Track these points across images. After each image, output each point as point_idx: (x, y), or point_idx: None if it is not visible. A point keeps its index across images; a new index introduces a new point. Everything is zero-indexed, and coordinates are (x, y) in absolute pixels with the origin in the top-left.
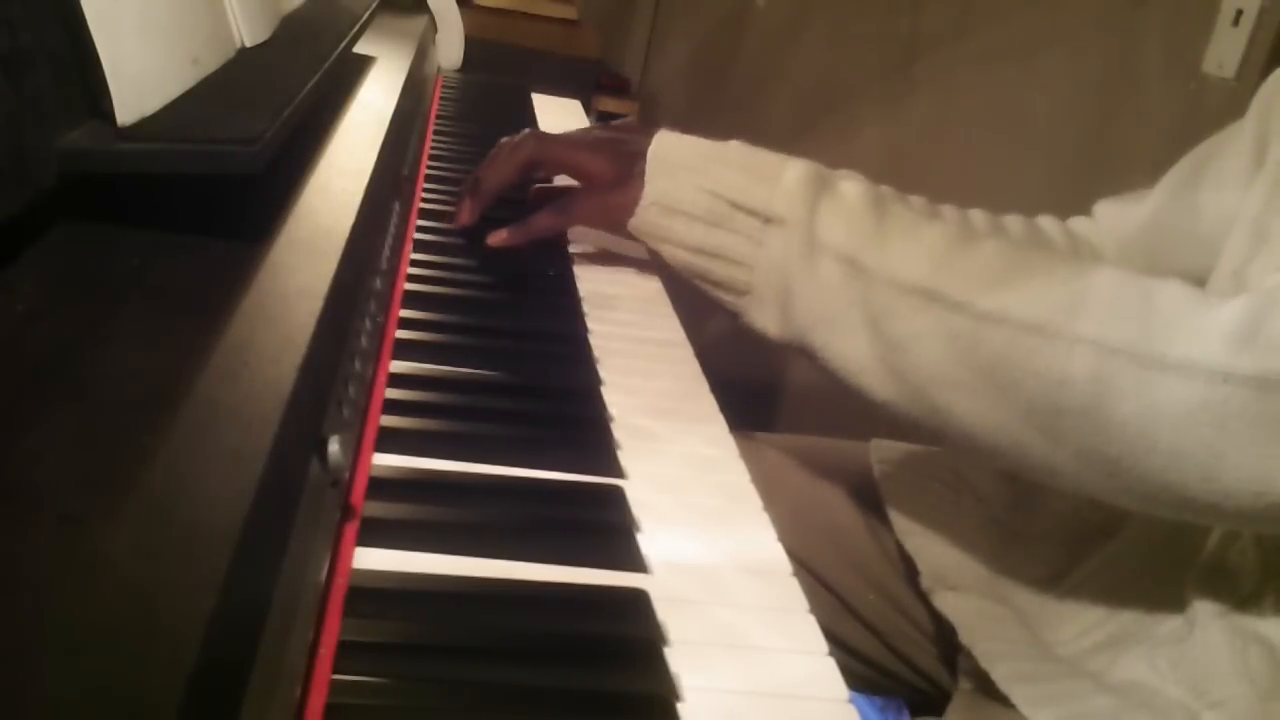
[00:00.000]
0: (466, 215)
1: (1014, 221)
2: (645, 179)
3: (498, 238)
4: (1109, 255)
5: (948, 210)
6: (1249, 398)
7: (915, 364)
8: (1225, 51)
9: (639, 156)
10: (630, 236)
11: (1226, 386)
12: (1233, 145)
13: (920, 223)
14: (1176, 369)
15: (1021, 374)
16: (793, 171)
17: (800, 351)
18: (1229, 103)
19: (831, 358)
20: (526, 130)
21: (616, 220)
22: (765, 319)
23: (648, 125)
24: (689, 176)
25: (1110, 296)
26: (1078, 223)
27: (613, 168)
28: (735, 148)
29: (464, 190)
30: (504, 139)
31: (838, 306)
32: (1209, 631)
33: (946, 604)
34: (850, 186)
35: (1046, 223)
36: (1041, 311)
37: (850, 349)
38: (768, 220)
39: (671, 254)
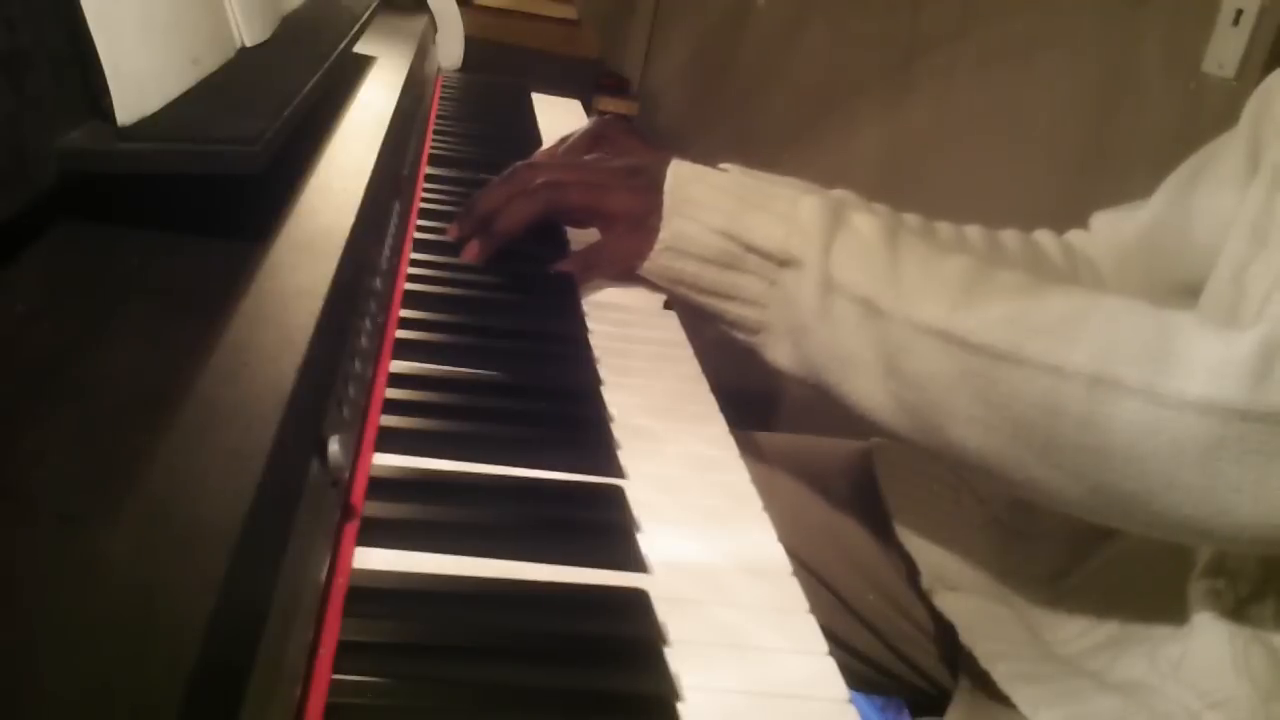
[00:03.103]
0: (475, 257)
1: (1011, 237)
2: (663, 220)
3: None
4: (1106, 268)
5: (942, 227)
6: (1266, 433)
7: (931, 402)
8: (1225, 51)
9: (656, 190)
10: (640, 280)
11: (1244, 424)
12: (1227, 151)
13: (934, 260)
14: (1194, 407)
15: (1039, 412)
16: (807, 209)
17: (814, 387)
18: (1229, 103)
19: (846, 395)
20: (537, 163)
21: (631, 266)
22: (779, 355)
23: (653, 148)
24: (703, 216)
25: (1128, 335)
26: (1075, 236)
27: (634, 206)
28: (749, 183)
29: (468, 220)
30: (517, 166)
31: (853, 346)
32: (1210, 631)
33: (947, 604)
34: (864, 222)
35: (1043, 238)
36: (1060, 351)
37: (865, 387)
38: (782, 262)
39: (684, 295)
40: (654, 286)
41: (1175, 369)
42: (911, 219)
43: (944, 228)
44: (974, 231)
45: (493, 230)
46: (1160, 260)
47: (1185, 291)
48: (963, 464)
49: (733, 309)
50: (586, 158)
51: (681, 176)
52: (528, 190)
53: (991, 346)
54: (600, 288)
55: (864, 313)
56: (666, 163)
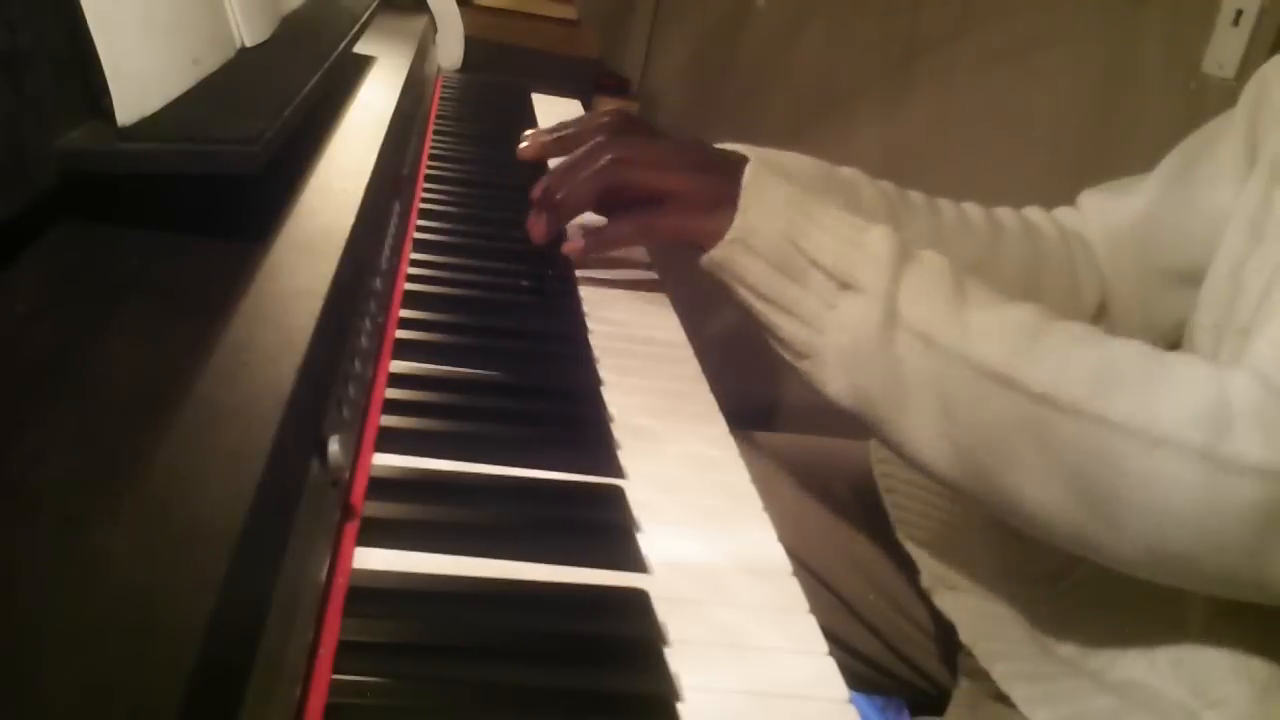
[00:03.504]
0: (542, 233)
1: (1007, 214)
2: (738, 211)
3: (572, 247)
4: (1099, 249)
5: (944, 205)
6: None
7: (987, 446)
8: (1225, 51)
9: (732, 182)
10: (703, 267)
11: None
12: (1224, 141)
13: (1001, 303)
14: (1255, 472)
15: (1097, 467)
16: (877, 238)
17: (861, 418)
18: (1229, 103)
19: (898, 430)
20: (599, 137)
21: (696, 246)
22: (829, 382)
23: (732, 148)
24: (776, 219)
25: (1191, 396)
26: (1065, 215)
27: (705, 191)
28: (824, 205)
29: (538, 202)
30: (578, 139)
31: (910, 382)
32: (1208, 631)
33: (946, 603)
34: (931, 260)
35: (1036, 215)
36: (1123, 409)
37: (917, 425)
38: (845, 285)
39: (743, 296)
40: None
41: (1236, 433)
42: (916, 196)
43: (946, 205)
44: (973, 210)
45: (560, 208)
46: (1156, 246)
47: (1179, 278)
48: (1012, 513)
49: (787, 325)
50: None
51: (761, 175)
52: (596, 168)
53: (1055, 397)
54: (600, 288)
55: (926, 349)
56: (741, 156)
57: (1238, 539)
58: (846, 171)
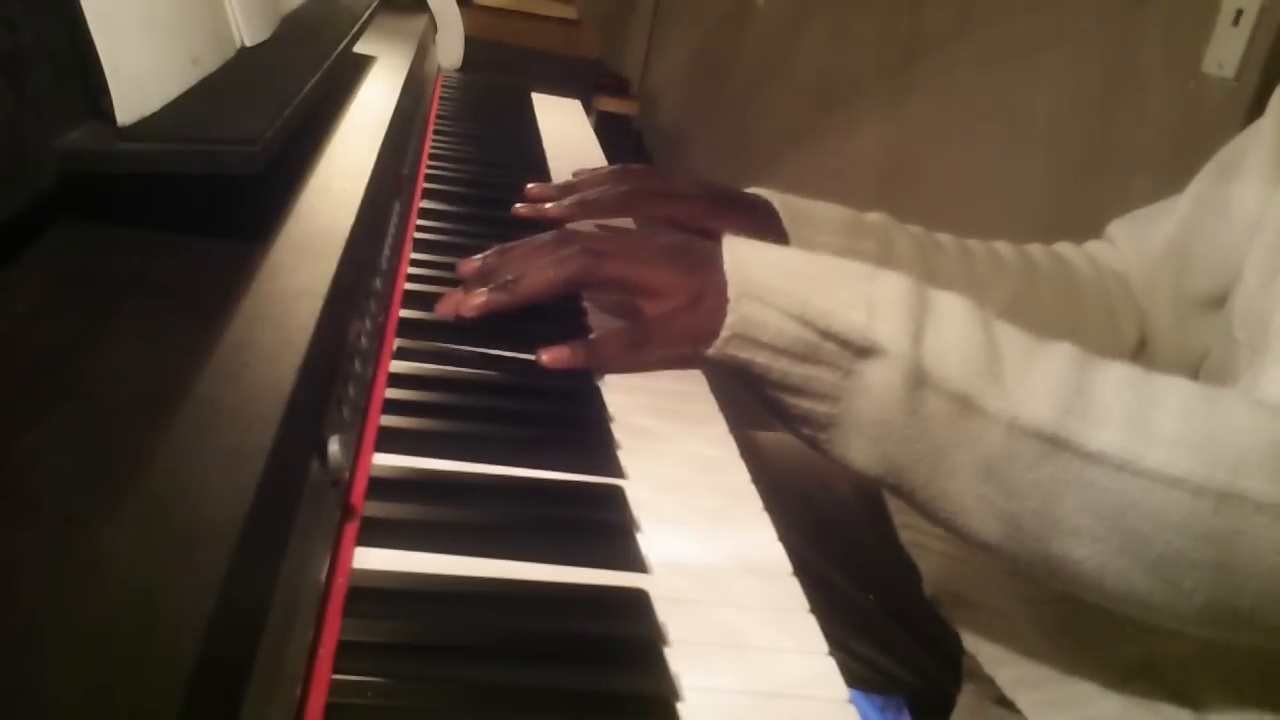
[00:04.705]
0: (476, 309)
1: (1038, 250)
2: (729, 304)
3: (557, 356)
4: (1134, 278)
5: (974, 245)
6: None
7: (1032, 510)
8: (1225, 51)
9: (712, 270)
10: (697, 365)
11: None
12: (1253, 151)
13: (1036, 351)
14: None
15: (1155, 526)
16: (887, 289)
17: (892, 488)
18: (1229, 103)
19: (933, 499)
20: (565, 227)
21: (693, 352)
22: (853, 452)
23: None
24: (776, 300)
25: (1254, 443)
26: (1096, 249)
27: (685, 284)
28: (820, 259)
29: (477, 281)
30: (542, 235)
31: (945, 447)
32: (1215, 639)
33: (950, 610)
34: (953, 307)
35: (1067, 250)
36: (1183, 463)
37: (954, 490)
38: (862, 351)
39: (751, 385)
40: (709, 370)
41: None
42: (945, 238)
43: (976, 245)
44: (1005, 248)
45: (514, 290)
46: (1189, 272)
47: (1215, 304)
48: (1063, 579)
49: (802, 404)
50: (617, 230)
51: (739, 253)
52: (561, 255)
53: (1108, 455)
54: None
55: (960, 410)
56: (713, 241)
57: None
58: (874, 217)
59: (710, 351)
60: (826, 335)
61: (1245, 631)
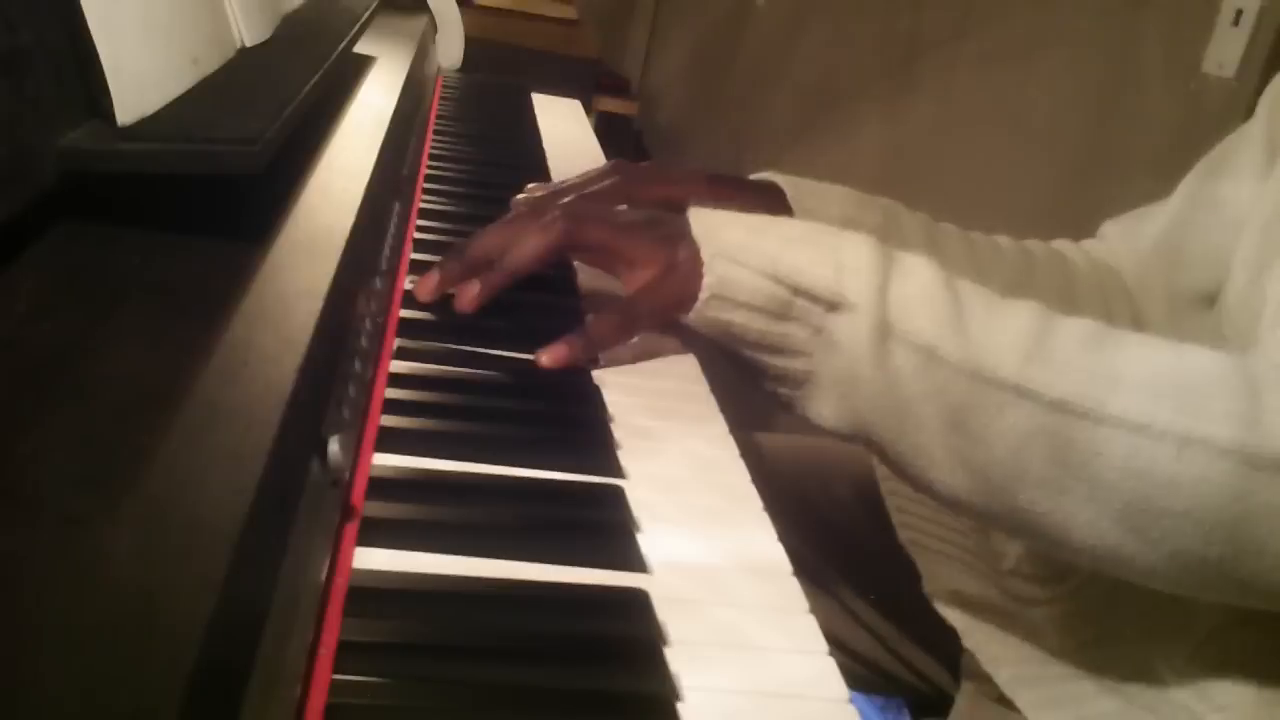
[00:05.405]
0: (475, 300)
1: (1036, 245)
2: (704, 266)
3: (555, 355)
4: (1128, 276)
5: (976, 235)
6: None
7: (998, 460)
8: (1225, 51)
9: (683, 239)
10: (683, 333)
11: None
12: (1244, 146)
13: (1000, 305)
14: None
15: (1120, 474)
16: (854, 247)
17: (862, 442)
18: (1229, 103)
19: (901, 454)
20: (544, 195)
21: (676, 317)
22: (822, 408)
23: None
24: (748, 258)
25: (1218, 390)
26: (1090, 246)
27: (659, 253)
28: (788, 221)
29: (458, 265)
30: (520, 199)
31: (911, 398)
32: (1214, 635)
33: (949, 608)
34: (919, 264)
35: (1064, 245)
36: (1147, 409)
37: (923, 443)
38: (831, 305)
39: (730, 348)
40: (694, 338)
41: (1269, 428)
42: (948, 226)
43: (978, 236)
44: (1004, 240)
45: (500, 267)
46: (1182, 268)
47: (1208, 301)
48: (1030, 533)
49: (778, 362)
50: (597, 203)
51: (707, 221)
52: (543, 223)
53: (1070, 403)
54: (600, 287)
55: (925, 362)
56: (684, 214)
57: (1275, 541)
58: (883, 200)
59: (692, 316)
60: (797, 291)
61: (1216, 584)
